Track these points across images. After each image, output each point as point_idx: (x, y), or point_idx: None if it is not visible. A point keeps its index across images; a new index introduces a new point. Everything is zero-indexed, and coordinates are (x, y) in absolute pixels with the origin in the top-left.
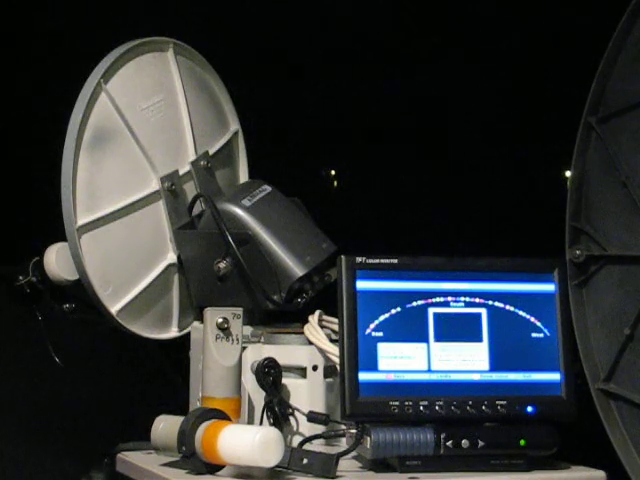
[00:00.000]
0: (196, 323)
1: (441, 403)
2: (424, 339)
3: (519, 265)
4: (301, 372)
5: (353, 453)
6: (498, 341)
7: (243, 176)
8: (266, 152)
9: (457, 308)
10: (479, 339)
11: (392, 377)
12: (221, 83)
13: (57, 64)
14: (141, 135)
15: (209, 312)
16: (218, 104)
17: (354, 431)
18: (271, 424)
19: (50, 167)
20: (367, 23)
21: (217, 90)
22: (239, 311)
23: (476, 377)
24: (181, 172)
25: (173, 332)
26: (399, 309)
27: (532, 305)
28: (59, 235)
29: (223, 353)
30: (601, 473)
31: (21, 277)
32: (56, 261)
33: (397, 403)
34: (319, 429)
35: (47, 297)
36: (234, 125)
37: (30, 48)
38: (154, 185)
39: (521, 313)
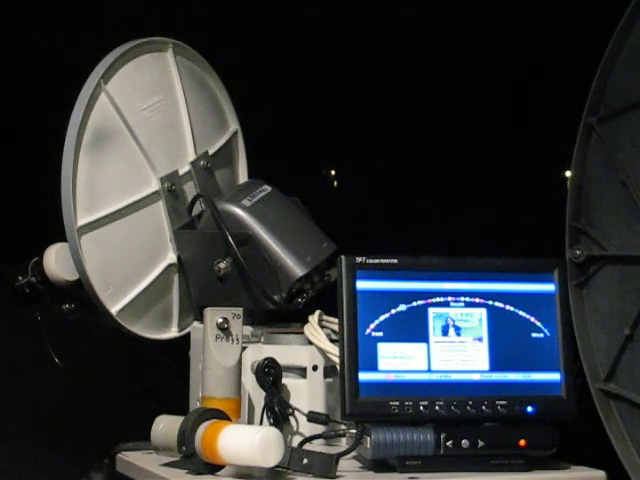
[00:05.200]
0: (196, 323)
1: (441, 403)
2: (424, 339)
3: (519, 265)
4: (301, 372)
5: (353, 453)
6: (498, 341)
7: (243, 176)
8: (266, 152)
9: (457, 308)
10: (479, 339)
11: (392, 377)
12: (220, 83)
13: (57, 64)
14: (141, 135)
15: (209, 312)
16: (218, 104)
17: (354, 431)
18: (271, 424)
19: (50, 167)
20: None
21: (217, 90)
22: (239, 311)
23: (476, 377)
24: (181, 172)
25: (173, 332)
26: (399, 309)
27: (532, 305)
28: (59, 235)
29: (223, 353)
30: (601, 473)
31: (21, 277)
32: (56, 261)
33: (397, 403)
34: (319, 429)
35: (47, 297)
36: (234, 125)
37: (30, 48)
38: (154, 185)
39: (521, 313)
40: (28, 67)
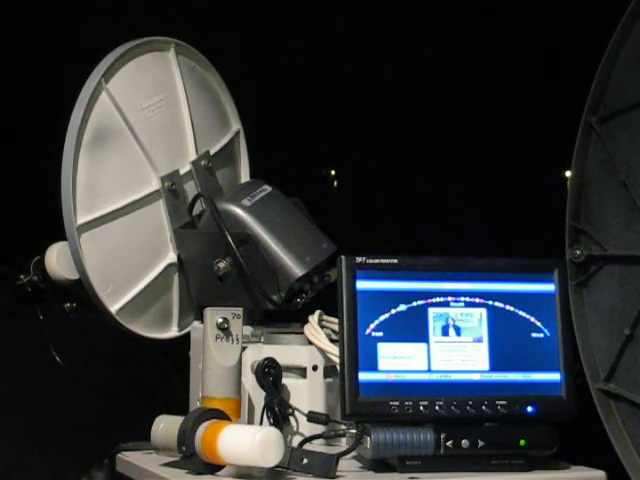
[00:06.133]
0: (196, 323)
1: (441, 403)
2: (424, 339)
3: (519, 265)
4: (301, 372)
5: (353, 453)
6: (498, 341)
7: (245, 176)
8: (266, 152)
9: (457, 308)
10: (479, 339)
11: (392, 377)
12: (222, 83)
13: (57, 64)
14: (142, 134)
15: (209, 312)
16: (219, 104)
17: (354, 431)
18: (271, 424)
19: (50, 167)
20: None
21: (219, 90)
22: (239, 311)
23: (476, 377)
24: (182, 172)
25: (173, 332)
26: (399, 309)
27: (532, 305)
28: (60, 234)
29: (223, 353)
30: (601, 473)
31: (22, 276)
32: (57, 260)
33: (397, 403)
34: (319, 429)
35: (48, 296)
36: (236, 125)
37: (30, 48)
38: (154, 184)
39: (521, 313)
40: (28, 66)
